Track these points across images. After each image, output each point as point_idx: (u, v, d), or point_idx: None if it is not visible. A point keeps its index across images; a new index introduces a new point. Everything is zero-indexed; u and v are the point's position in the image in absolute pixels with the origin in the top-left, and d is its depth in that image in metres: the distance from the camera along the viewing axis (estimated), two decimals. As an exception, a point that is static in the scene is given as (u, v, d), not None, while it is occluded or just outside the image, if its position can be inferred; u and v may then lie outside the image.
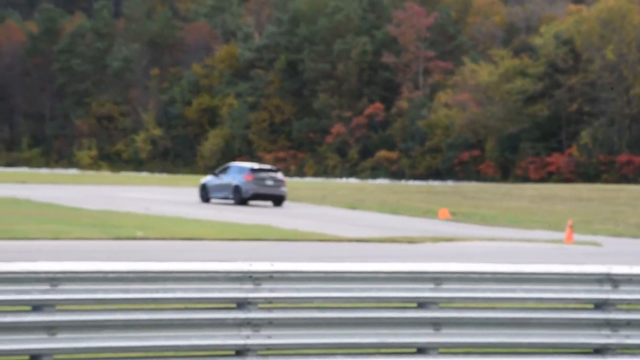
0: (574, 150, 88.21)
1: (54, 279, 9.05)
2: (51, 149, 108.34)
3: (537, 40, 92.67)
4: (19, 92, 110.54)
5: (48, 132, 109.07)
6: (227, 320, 9.51)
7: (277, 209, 42.24)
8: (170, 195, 48.96)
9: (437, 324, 9.96)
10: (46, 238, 24.84)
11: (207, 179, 45.66)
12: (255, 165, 45.28)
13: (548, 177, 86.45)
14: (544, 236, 32.78)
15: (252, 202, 44.04)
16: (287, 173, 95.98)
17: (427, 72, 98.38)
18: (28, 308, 9.01)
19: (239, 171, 44.08)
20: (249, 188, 43.12)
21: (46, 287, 9.03)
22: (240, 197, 43.23)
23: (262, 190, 43.34)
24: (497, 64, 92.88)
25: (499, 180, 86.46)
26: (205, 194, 44.65)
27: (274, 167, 46.01)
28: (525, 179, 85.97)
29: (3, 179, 65.13)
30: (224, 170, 45.03)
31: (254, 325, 9.52)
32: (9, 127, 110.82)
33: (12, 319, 8.94)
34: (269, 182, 43.48)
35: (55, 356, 9.01)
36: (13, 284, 8.96)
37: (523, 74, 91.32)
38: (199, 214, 36.10)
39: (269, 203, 44.30)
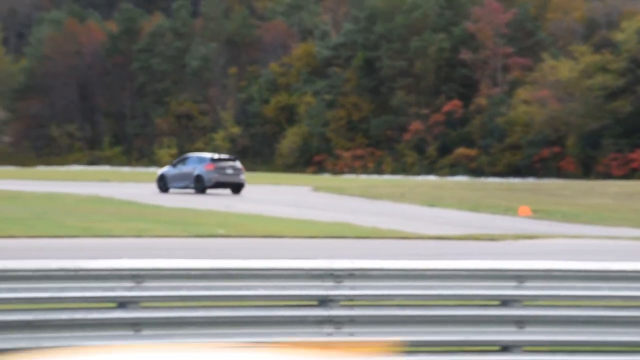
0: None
1: (137, 277, 9.14)
2: (132, 148, 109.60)
3: (618, 36, 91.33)
4: (100, 92, 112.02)
5: (129, 131, 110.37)
6: (309, 317, 9.52)
7: (363, 207, 42.28)
8: (249, 193, 49.21)
9: (520, 322, 9.87)
10: (129, 236, 25.14)
11: (165, 169, 47.68)
12: (215, 155, 47.50)
13: (631, 174, 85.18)
14: (628, 233, 32.29)
15: (211, 191, 45.99)
16: (365, 170, 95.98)
17: (505, 68, 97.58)
18: (113, 305, 9.11)
19: (199, 161, 46.30)
20: (211, 177, 45.25)
21: (130, 284, 9.12)
22: (203, 186, 45.38)
23: (223, 179, 45.51)
24: (577, 60, 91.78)
25: (581, 177, 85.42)
26: (164, 184, 46.50)
27: (232, 156, 48.52)
28: (607, 175, 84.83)
29: (86, 177, 66.10)
30: (183, 161, 47.25)
31: (336, 322, 9.52)
32: (91, 126, 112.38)
33: (99, 316, 9.04)
34: (229, 171, 45.56)
35: (141, 352, 9.09)
36: (98, 281, 9.07)
37: (604, 69, 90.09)
38: (279, 211, 36.24)
39: (228, 191, 46.29)
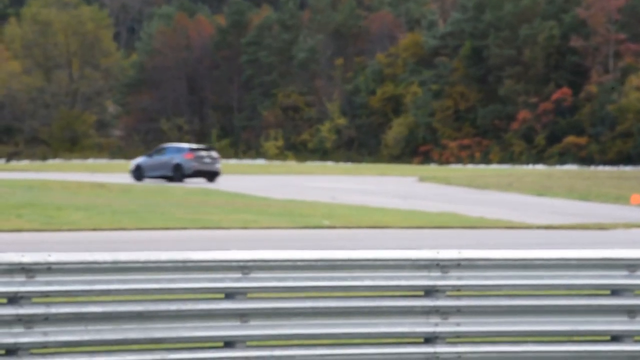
0: None
1: (245, 268, 9.22)
2: (239, 140, 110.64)
3: None
4: (209, 85, 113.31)
5: (236, 124, 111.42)
6: (415, 308, 9.50)
7: (469, 196, 42.03)
8: (355, 185, 49.31)
9: (632, 312, 9.71)
10: (236, 227, 25.42)
11: (140, 160, 49.80)
12: (193, 145, 50.06)
13: None
14: None
15: (189, 180, 47.82)
16: (472, 160, 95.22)
17: (617, 55, 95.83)
18: (221, 296, 9.21)
19: (177, 151, 48.62)
20: (190, 165, 47.39)
21: (238, 275, 9.20)
22: (182, 174, 47.30)
23: (202, 167, 47.72)
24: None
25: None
26: (140, 174, 48.42)
27: (208, 146, 51.14)
28: None
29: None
30: (159, 151, 49.51)
31: (443, 313, 9.48)
32: (199, 119, 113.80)
33: (207, 307, 9.15)
34: (207, 160, 47.84)
35: (249, 343, 9.18)
36: (206, 273, 9.17)
37: None
38: (385, 202, 36.21)
39: (203, 180, 48.23)
